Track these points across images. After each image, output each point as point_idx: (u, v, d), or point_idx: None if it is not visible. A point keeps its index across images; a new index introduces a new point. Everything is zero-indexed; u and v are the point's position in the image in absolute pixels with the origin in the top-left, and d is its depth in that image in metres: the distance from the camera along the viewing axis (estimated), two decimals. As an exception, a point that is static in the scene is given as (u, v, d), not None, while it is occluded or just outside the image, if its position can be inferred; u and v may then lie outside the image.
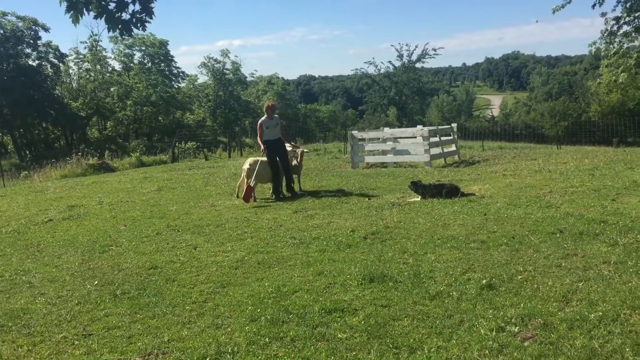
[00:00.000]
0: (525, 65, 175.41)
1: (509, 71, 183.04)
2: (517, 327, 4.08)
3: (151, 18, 5.73)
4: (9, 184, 20.52)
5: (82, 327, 4.70)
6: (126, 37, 47.19)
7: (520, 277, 5.19)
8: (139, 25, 5.69)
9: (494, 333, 4.01)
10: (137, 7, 5.65)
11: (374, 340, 4.04)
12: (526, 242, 6.37)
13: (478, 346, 3.83)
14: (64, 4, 5.33)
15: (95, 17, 5.55)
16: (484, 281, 5.06)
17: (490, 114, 70.32)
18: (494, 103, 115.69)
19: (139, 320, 4.79)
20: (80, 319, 4.91)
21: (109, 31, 5.77)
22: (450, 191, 9.70)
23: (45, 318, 4.98)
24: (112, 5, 5.54)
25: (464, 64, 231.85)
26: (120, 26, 5.61)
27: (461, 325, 4.20)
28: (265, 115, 11.69)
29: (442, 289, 5.00)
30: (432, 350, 3.83)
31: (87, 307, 5.22)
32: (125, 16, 5.61)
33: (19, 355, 4.22)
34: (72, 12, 5.39)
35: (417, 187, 10.02)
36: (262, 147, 11.50)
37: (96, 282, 5.97)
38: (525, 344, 3.84)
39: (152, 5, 5.68)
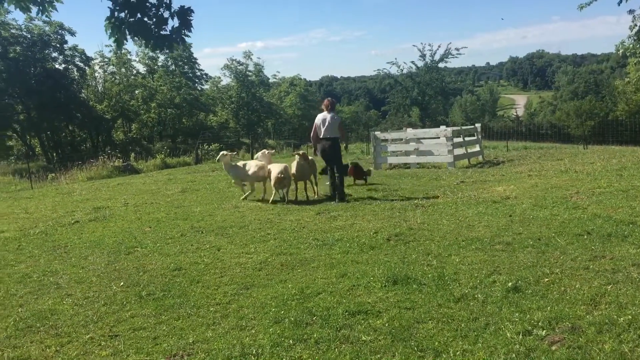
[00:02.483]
0: (550, 64, 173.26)
1: (534, 70, 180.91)
2: (544, 331, 4.02)
3: (190, 31, 5.78)
4: (37, 186, 20.87)
5: (109, 328, 4.76)
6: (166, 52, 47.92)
7: (547, 279, 5.12)
8: (178, 40, 5.74)
9: (520, 337, 3.96)
10: (176, 22, 5.70)
11: (398, 343, 4.02)
12: (553, 244, 6.28)
13: (504, 350, 3.78)
14: (109, 31, 5.43)
15: (135, 36, 5.61)
16: (510, 284, 5.00)
17: (515, 114, 69.58)
18: (519, 103, 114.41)
19: (164, 321, 4.83)
20: (107, 319, 4.97)
21: (150, 49, 5.84)
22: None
23: (72, 319, 5.05)
24: (151, 22, 5.60)
25: (488, 63, 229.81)
26: (159, 42, 5.67)
27: (487, 328, 4.16)
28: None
29: (467, 291, 4.95)
30: (458, 353, 3.79)
31: (113, 308, 5.28)
32: (165, 32, 5.67)
33: (47, 356, 4.28)
34: (116, 37, 5.48)
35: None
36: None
37: (122, 284, 6.04)
38: (553, 348, 3.78)
39: (191, 18, 5.74)
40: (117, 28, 5.53)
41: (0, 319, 5.17)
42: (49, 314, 5.22)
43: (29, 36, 42.47)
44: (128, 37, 5.66)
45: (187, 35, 5.91)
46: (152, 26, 5.66)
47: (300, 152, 11.53)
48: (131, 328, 4.72)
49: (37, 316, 5.17)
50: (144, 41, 5.83)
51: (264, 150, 12.51)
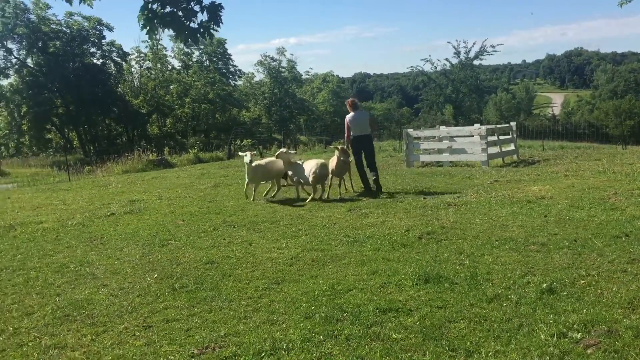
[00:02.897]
0: (589, 62, 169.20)
1: (572, 68, 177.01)
2: (579, 334, 3.94)
3: (219, 27, 5.85)
4: (74, 178, 21.35)
5: (143, 319, 4.85)
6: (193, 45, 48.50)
7: (582, 281, 5.01)
8: (206, 34, 5.82)
9: (555, 339, 3.89)
10: (205, 16, 5.78)
11: (430, 342, 3.99)
12: (589, 246, 6.14)
13: (538, 352, 3.72)
14: (141, 22, 5.53)
15: (165, 27, 5.72)
16: (545, 285, 4.91)
17: (551, 113, 68.16)
18: (555, 101, 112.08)
19: (197, 313, 4.89)
20: (141, 310, 5.06)
21: (178, 41, 5.96)
22: None
23: (107, 309, 5.16)
24: (181, 13, 5.70)
25: (524, 60, 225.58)
26: (187, 34, 5.76)
27: (520, 329, 4.10)
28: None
29: (500, 291, 4.88)
30: (490, 354, 3.75)
31: (147, 299, 5.37)
32: (194, 25, 5.76)
33: (83, 344, 4.38)
34: (148, 28, 5.59)
35: None
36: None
37: (156, 275, 6.14)
38: (588, 351, 3.70)
39: (221, 13, 5.80)
40: (149, 19, 5.65)
41: (39, 307, 5.32)
42: (85, 303, 5.34)
43: (69, 31, 43.46)
44: (159, 28, 5.77)
45: (216, 30, 5.98)
46: (182, 19, 5.75)
47: (339, 146, 11.51)
48: (164, 319, 4.80)
49: (73, 305, 5.29)
50: (174, 33, 5.95)
51: (283, 149, 12.28)
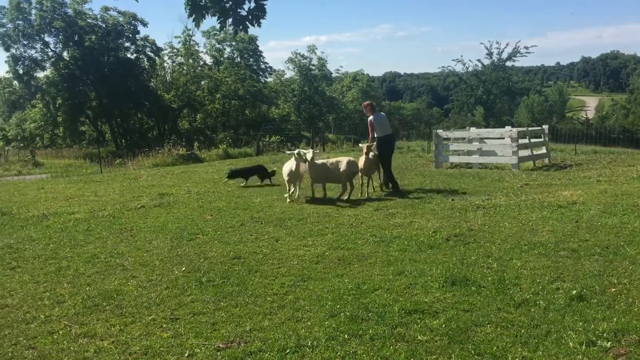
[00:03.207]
0: (625, 65, 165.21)
1: (607, 72, 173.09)
2: (609, 343, 3.87)
3: (264, 16, 5.90)
4: (106, 170, 21.75)
5: (170, 311, 4.91)
6: (220, 34, 48.84)
7: (613, 289, 4.92)
8: (254, 22, 5.88)
9: (583, 347, 3.83)
10: (252, 4, 5.85)
11: (455, 345, 3.96)
12: (621, 253, 6.02)
13: (566, 359, 3.67)
14: (188, 9, 5.62)
15: (213, 16, 5.79)
16: (574, 292, 4.83)
17: (585, 116, 66.82)
18: (589, 105, 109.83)
19: (223, 308, 4.94)
20: (169, 303, 5.13)
21: (220, 30, 6.04)
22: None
23: (136, 300, 5.25)
24: (229, 4, 5.77)
25: (558, 63, 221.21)
26: (236, 22, 5.82)
27: (548, 336, 4.04)
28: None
29: (528, 297, 4.82)
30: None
31: (174, 292, 5.44)
32: (242, 12, 5.82)
33: (112, 334, 4.46)
34: (194, 15, 5.68)
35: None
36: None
37: (183, 269, 6.21)
38: (618, 361, 3.63)
39: (265, 2, 5.86)
40: (196, 6, 5.72)
41: (70, 296, 5.43)
42: (115, 294, 5.44)
43: (104, 26, 44.17)
44: (206, 15, 5.85)
45: (263, 18, 6.03)
46: (230, 4, 5.81)
47: (366, 144, 11.42)
48: (191, 312, 4.86)
49: (103, 295, 5.40)
50: (220, 20, 6.01)
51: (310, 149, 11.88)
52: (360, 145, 11.74)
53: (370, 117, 11.91)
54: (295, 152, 10.96)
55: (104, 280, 5.93)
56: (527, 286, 5.11)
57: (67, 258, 6.93)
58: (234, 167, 14.11)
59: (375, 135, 11.80)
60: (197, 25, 5.99)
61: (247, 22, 5.96)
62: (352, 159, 11.03)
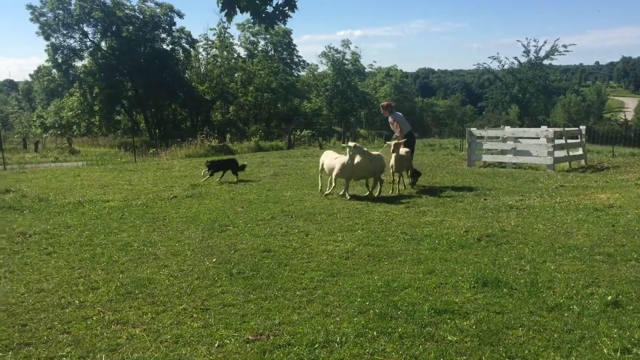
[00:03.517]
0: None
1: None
2: (645, 351, 3.78)
3: (293, 11, 5.92)
4: (140, 160, 22.08)
5: (201, 301, 4.97)
6: (254, 27, 49.03)
7: (651, 297, 4.79)
8: (281, 18, 5.91)
9: (618, 354, 3.75)
10: (281, 0, 5.88)
11: (486, 347, 3.91)
12: (660, 260, 5.86)
13: (600, 367, 3.59)
14: (220, 4, 5.69)
15: (242, 11, 5.85)
16: (609, 297, 4.73)
17: (623, 118, 65.22)
18: (629, 106, 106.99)
19: (252, 300, 4.98)
20: (199, 293, 5.19)
21: (254, 25, 6.13)
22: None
23: (167, 289, 5.32)
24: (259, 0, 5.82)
25: (597, 62, 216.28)
26: (264, 17, 5.86)
27: (582, 341, 3.96)
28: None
29: (561, 301, 4.73)
30: (548, 365, 3.64)
31: (205, 282, 5.50)
32: (270, 9, 5.86)
33: (144, 322, 4.53)
34: (226, 10, 5.73)
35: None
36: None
37: (214, 260, 6.27)
38: (655, 370, 3.54)
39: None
40: (228, 2, 5.78)
41: (104, 282, 5.54)
42: (147, 282, 5.52)
43: (141, 17, 44.84)
44: (237, 10, 5.90)
45: (289, 16, 6.05)
46: (259, 3, 5.85)
47: (394, 141, 11.29)
48: (221, 303, 4.90)
49: (136, 283, 5.49)
50: (250, 16, 6.07)
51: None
52: (388, 143, 11.59)
53: (391, 117, 12.18)
54: (352, 144, 10.33)
55: (136, 269, 6.03)
56: (561, 290, 5.02)
57: (101, 245, 7.07)
58: (209, 161, 13.77)
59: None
60: (229, 20, 6.04)
61: (274, 19, 5.99)
62: (379, 153, 11.04)
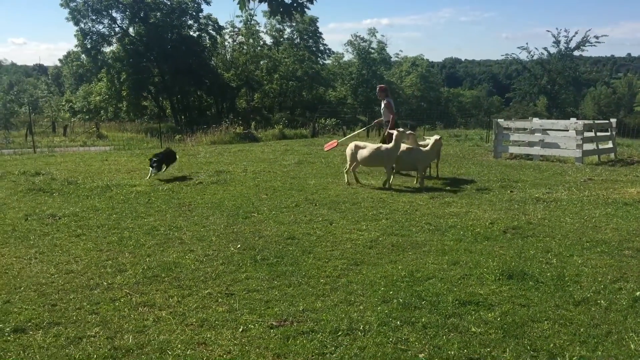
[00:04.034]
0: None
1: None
2: (674, 349, 3.72)
3: (312, 3, 5.86)
4: (165, 145, 22.28)
5: (225, 286, 5.02)
6: (285, 20, 49.01)
7: (681, 294, 4.71)
8: (299, 9, 5.86)
9: (646, 351, 3.69)
10: None
11: (510, 340, 3.89)
12: (691, 257, 5.75)
13: (627, 362, 3.55)
14: None
15: (260, 1, 5.81)
16: (638, 293, 4.67)
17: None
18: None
19: (276, 286, 5.02)
20: (224, 278, 5.25)
21: (270, 16, 6.07)
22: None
23: (193, 273, 5.39)
24: None
25: (629, 54, 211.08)
26: (281, 10, 5.82)
27: (609, 336, 3.91)
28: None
29: (588, 295, 4.68)
30: (574, 358, 3.62)
31: (230, 268, 5.56)
32: (287, 0, 5.81)
33: (170, 305, 4.60)
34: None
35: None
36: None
37: (239, 246, 6.33)
38: (683, 368, 3.49)
39: None
40: None
41: (131, 265, 5.63)
42: (173, 266, 5.60)
43: (169, 3, 45.04)
44: (253, 1, 5.87)
45: (308, 7, 5.99)
46: None
47: (407, 132, 11.18)
48: (246, 289, 4.95)
49: (162, 267, 5.57)
50: (268, 5, 6.01)
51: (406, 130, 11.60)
52: (410, 132, 11.42)
53: (386, 100, 12.27)
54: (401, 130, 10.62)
55: (163, 252, 6.11)
56: (588, 284, 4.96)
57: (128, 229, 7.18)
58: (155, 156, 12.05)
59: (385, 120, 12.17)
60: (241, 8, 6.00)
61: (291, 10, 5.93)
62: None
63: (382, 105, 12.44)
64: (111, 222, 7.57)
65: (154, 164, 11.55)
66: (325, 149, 13.96)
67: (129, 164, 14.30)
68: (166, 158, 12.10)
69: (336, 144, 13.39)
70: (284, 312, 4.43)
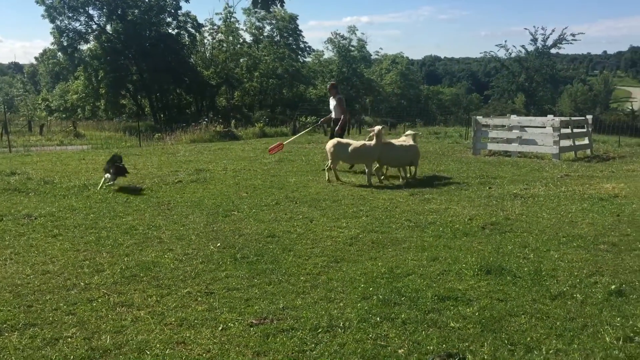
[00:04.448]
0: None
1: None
2: (647, 340, 3.79)
3: None
4: (144, 144, 22.09)
5: (205, 285, 4.99)
6: (260, 12, 48.80)
7: (655, 286, 4.80)
8: (277, 2, 5.84)
9: (620, 342, 3.75)
10: None
11: (488, 334, 3.93)
12: (664, 250, 5.86)
13: (602, 354, 3.60)
14: None
15: None
16: (613, 286, 4.74)
17: (630, 107, 64.87)
18: (635, 96, 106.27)
19: (256, 284, 5.00)
20: (204, 277, 5.22)
21: (251, 7, 6.01)
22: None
23: (172, 272, 5.35)
24: None
25: (605, 52, 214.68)
26: (260, 3, 5.81)
27: (584, 330, 3.97)
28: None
29: (565, 289, 4.74)
30: (551, 352, 3.66)
31: (209, 266, 5.53)
32: None
33: (149, 304, 4.56)
34: None
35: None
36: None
37: (219, 244, 6.30)
38: (657, 359, 3.55)
39: None
40: None
41: (109, 265, 5.57)
42: (152, 265, 5.55)
43: (147, 0, 44.61)
44: None
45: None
46: None
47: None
48: (225, 287, 4.93)
49: (140, 266, 5.51)
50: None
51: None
52: (410, 133, 11.59)
53: (338, 96, 12.43)
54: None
55: (141, 252, 6.06)
56: (564, 279, 5.02)
57: (106, 228, 7.10)
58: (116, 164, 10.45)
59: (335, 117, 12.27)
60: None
61: (268, 2, 5.93)
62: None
63: (334, 102, 12.50)
64: (88, 221, 7.48)
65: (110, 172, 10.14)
66: (270, 153, 13.99)
67: (107, 163, 14.13)
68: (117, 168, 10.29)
69: (282, 146, 13.48)
70: (263, 310, 4.42)
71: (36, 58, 76.33)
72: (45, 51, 59.81)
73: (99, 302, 4.61)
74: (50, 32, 43.75)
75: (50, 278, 5.20)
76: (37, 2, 42.26)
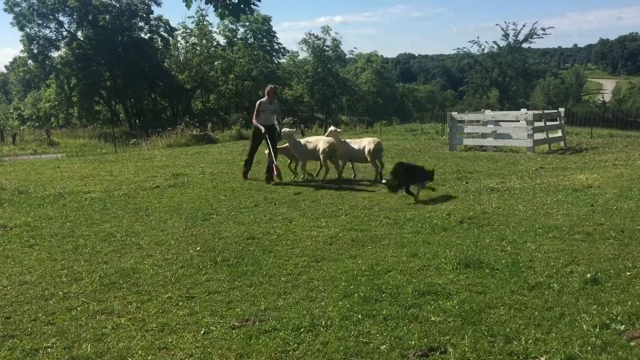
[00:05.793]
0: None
1: (625, 54, 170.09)
2: (623, 326, 3.87)
3: (259, 0, 5.85)
4: (120, 150, 21.86)
5: (186, 290, 4.97)
6: (234, 20, 48.65)
7: (628, 273, 4.90)
8: (246, 9, 5.85)
9: (597, 329, 3.83)
10: None
11: (469, 326, 3.98)
12: (637, 237, 5.99)
13: (580, 342, 3.67)
14: None
15: (207, 3, 5.77)
16: (589, 275, 4.83)
17: (601, 99, 66.03)
18: (606, 88, 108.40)
19: (238, 287, 4.99)
20: (184, 281, 5.19)
21: (221, 18, 6.00)
22: None
23: (152, 278, 5.31)
24: None
25: (575, 45, 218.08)
26: (228, 10, 5.80)
27: (562, 318, 4.04)
28: (266, 98, 11.14)
29: (542, 280, 4.82)
30: (530, 341, 3.72)
31: (190, 271, 5.50)
32: (234, 1, 5.79)
33: (129, 311, 4.53)
34: None
35: None
36: (259, 127, 11.05)
37: (198, 248, 6.27)
38: (632, 343, 3.63)
39: None
40: None
41: (87, 273, 5.51)
42: (131, 272, 5.50)
43: (118, 5, 44.14)
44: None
45: (255, 4, 5.99)
46: None
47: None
48: (206, 291, 4.91)
49: (120, 273, 5.47)
50: (213, 6, 5.99)
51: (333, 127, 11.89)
52: (334, 129, 11.56)
53: (277, 103, 11.44)
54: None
55: (120, 259, 6.01)
56: (541, 269, 5.10)
57: (83, 236, 7.02)
58: None
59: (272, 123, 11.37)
60: (188, 6, 5.98)
61: (239, 10, 5.92)
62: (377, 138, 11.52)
63: (274, 107, 11.36)
64: (65, 230, 7.38)
65: None
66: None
67: (83, 171, 13.96)
68: None
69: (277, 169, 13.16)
70: (245, 312, 4.41)
71: (6, 66, 75.21)
72: (15, 59, 58.90)
73: (78, 310, 4.57)
74: (20, 40, 43.09)
75: (28, 288, 5.13)
76: (6, 10, 41.56)
